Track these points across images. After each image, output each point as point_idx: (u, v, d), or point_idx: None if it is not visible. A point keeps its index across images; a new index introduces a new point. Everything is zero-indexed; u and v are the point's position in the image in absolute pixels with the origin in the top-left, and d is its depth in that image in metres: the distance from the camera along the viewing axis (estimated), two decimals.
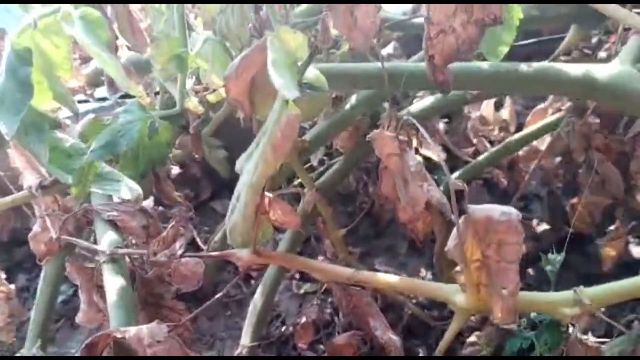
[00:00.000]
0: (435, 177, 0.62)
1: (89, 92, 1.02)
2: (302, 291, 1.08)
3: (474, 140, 1.24)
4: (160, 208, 0.89)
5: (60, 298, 1.05)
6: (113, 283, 0.60)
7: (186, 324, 0.60)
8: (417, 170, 0.54)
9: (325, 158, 1.08)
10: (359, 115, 0.88)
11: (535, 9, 0.83)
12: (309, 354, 0.94)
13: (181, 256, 0.54)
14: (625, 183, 0.95)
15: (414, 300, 0.99)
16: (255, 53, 0.50)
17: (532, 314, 0.77)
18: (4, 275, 0.93)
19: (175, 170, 1.25)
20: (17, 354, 0.75)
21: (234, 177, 0.53)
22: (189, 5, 0.74)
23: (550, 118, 1.06)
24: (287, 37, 0.50)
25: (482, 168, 1.13)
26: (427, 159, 1.06)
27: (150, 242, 0.61)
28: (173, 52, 0.63)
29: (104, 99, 0.99)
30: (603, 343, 0.71)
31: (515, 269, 0.46)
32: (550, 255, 0.79)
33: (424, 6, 0.51)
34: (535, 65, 0.64)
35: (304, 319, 0.90)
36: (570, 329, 0.71)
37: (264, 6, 0.58)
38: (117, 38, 0.68)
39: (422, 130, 0.51)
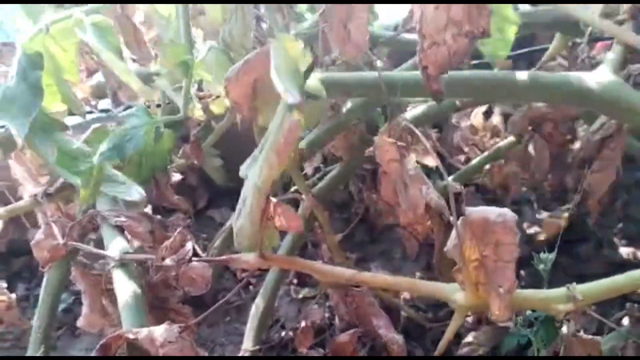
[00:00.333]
0: (431, 181, 0.64)
1: (92, 103, 1.03)
2: (300, 296, 1.09)
3: (466, 149, 1.26)
4: (158, 217, 0.90)
5: (61, 307, 1.05)
6: (125, 287, 0.61)
7: (192, 327, 0.61)
8: (416, 174, 0.56)
9: (321, 165, 1.09)
10: (354, 121, 0.90)
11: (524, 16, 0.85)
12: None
13: (189, 260, 0.55)
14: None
15: (410, 303, 1.02)
16: (257, 58, 0.51)
17: (528, 312, 0.79)
18: (4, 285, 0.94)
19: (173, 178, 1.25)
20: None
21: (231, 186, 0.54)
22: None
23: None
24: (289, 44, 0.51)
25: (474, 173, 1.16)
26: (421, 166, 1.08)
27: (157, 247, 0.63)
28: (179, 58, 0.65)
29: (107, 111, 1.01)
30: None
31: (511, 267, 0.48)
32: (542, 255, 0.81)
33: (416, 20, 0.53)
34: (528, 73, 0.66)
35: (303, 323, 0.91)
36: (565, 327, 0.73)
37: (266, 16, 0.60)
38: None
39: (420, 136, 0.53)
